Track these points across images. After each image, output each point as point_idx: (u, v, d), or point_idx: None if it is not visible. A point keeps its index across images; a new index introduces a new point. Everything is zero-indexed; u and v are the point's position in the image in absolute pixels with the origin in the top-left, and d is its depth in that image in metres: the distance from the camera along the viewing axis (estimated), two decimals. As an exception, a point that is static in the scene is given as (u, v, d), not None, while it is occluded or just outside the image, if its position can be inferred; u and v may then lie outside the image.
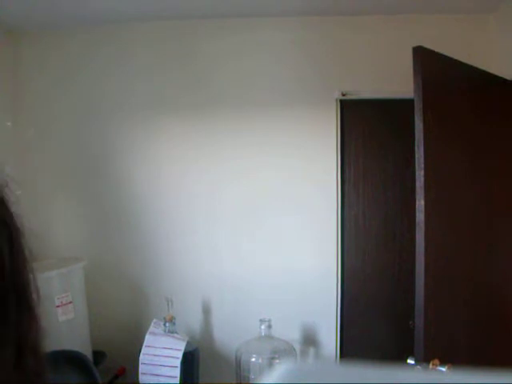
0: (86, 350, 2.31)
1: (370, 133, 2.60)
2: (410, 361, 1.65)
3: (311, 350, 2.59)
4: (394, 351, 2.29)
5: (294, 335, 2.52)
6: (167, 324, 2.38)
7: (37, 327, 0.49)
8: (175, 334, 2.38)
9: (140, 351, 2.32)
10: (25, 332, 0.48)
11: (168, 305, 2.46)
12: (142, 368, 2.30)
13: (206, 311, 2.64)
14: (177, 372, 2.27)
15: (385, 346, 2.52)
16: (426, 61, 1.72)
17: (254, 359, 2.32)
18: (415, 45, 1.73)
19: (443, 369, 1.57)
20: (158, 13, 2.58)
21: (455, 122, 1.87)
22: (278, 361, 2.31)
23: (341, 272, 2.57)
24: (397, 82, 2.30)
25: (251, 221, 2.62)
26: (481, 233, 1.99)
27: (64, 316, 2.24)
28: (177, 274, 2.65)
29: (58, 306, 2.23)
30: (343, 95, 2.54)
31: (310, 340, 2.57)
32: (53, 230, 2.66)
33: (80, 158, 2.73)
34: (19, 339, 0.47)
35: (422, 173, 1.68)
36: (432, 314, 1.68)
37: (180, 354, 2.29)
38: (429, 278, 1.67)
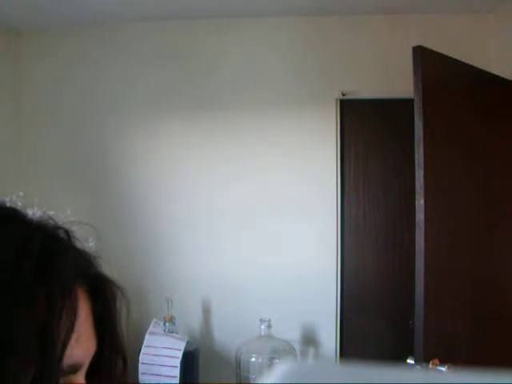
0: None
1: (370, 133, 2.60)
2: (410, 361, 1.65)
3: (311, 350, 2.59)
4: (394, 351, 2.29)
5: (293, 335, 2.52)
6: (167, 324, 2.39)
7: (128, 376, 0.61)
8: (175, 334, 2.38)
9: (140, 351, 2.32)
10: (120, 380, 0.58)
11: (168, 305, 2.46)
12: (141, 368, 2.30)
13: (206, 311, 2.64)
14: (177, 372, 2.27)
15: (385, 346, 2.52)
16: (426, 61, 1.72)
17: (253, 359, 2.32)
18: (415, 45, 1.73)
19: (443, 368, 1.57)
20: (158, 13, 2.58)
21: (455, 121, 1.87)
22: (277, 361, 2.31)
23: (341, 272, 2.57)
24: (397, 82, 2.30)
25: (251, 220, 2.62)
26: (481, 232, 1.99)
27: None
28: (177, 273, 2.65)
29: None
30: (343, 95, 2.54)
31: (309, 340, 2.57)
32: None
33: (79, 156, 2.73)
34: None
35: (422, 173, 1.68)
36: (432, 313, 1.68)
37: (180, 354, 2.29)
38: (429, 277, 1.67)
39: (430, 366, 1.59)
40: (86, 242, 0.56)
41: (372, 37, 2.56)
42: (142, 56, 2.70)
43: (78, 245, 0.54)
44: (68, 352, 0.46)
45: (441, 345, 1.72)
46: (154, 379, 2.28)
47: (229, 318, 2.60)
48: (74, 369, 0.49)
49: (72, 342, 0.46)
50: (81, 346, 0.49)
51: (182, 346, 2.32)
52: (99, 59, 2.71)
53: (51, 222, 0.52)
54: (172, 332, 2.38)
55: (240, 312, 2.58)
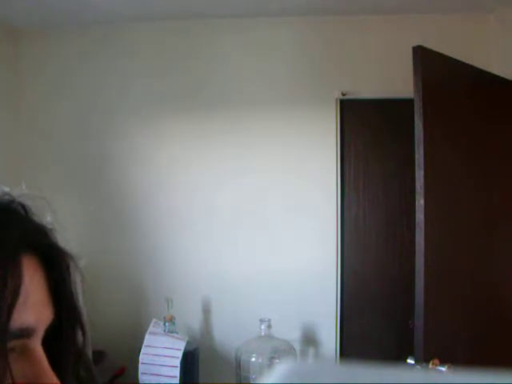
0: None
1: (369, 132, 2.60)
2: (410, 360, 1.65)
3: (311, 350, 2.59)
4: (394, 351, 2.29)
5: (293, 335, 2.52)
6: (167, 324, 2.39)
7: (88, 344, 0.61)
8: (175, 334, 2.38)
9: (140, 351, 2.32)
10: (80, 349, 0.59)
11: (168, 305, 2.46)
12: (141, 368, 2.30)
13: (206, 311, 2.64)
14: (177, 372, 2.27)
15: (385, 346, 2.52)
16: (426, 61, 1.72)
17: (253, 359, 2.32)
18: (415, 45, 1.73)
19: (443, 368, 1.57)
20: (158, 13, 2.58)
21: (455, 121, 1.87)
22: (277, 361, 2.31)
23: (341, 272, 2.57)
24: (397, 82, 2.30)
25: (251, 221, 2.62)
26: (481, 232, 1.99)
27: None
28: (177, 274, 2.65)
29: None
30: (343, 95, 2.54)
31: (309, 340, 2.57)
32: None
33: (80, 157, 2.73)
34: (76, 353, 0.59)
35: (422, 173, 1.68)
36: (432, 313, 1.68)
37: (180, 354, 2.29)
38: (429, 278, 1.67)
39: (430, 366, 1.59)
40: (43, 215, 0.58)
41: (372, 37, 2.56)
42: (142, 56, 2.70)
43: (35, 218, 0.56)
44: (16, 316, 0.48)
45: (441, 345, 1.72)
46: (154, 379, 2.28)
47: (229, 318, 2.60)
48: (26, 332, 0.50)
49: (19, 306, 0.48)
50: (30, 311, 0.50)
51: (181, 345, 2.32)
52: (99, 59, 2.71)
53: (7, 197, 0.55)
54: (172, 332, 2.38)
55: (240, 312, 2.58)
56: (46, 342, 0.53)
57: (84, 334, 0.59)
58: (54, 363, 0.53)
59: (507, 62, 2.26)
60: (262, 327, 2.38)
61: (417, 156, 1.71)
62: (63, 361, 0.56)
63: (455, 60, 1.90)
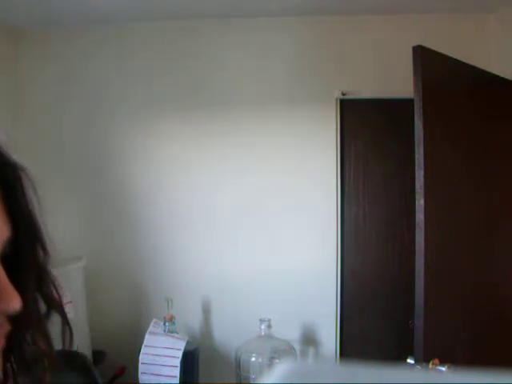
0: (86, 350, 2.31)
1: (369, 132, 2.60)
2: (410, 361, 1.65)
3: (311, 350, 2.59)
4: (394, 351, 2.29)
5: (293, 335, 2.52)
6: (167, 324, 2.39)
7: (50, 261, 0.59)
8: (175, 334, 2.38)
9: (140, 351, 2.32)
10: (42, 263, 0.58)
11: (168, 305, 2.46)
12: (141, 367, 2.30)
13: (206, 311, 2.64)
14: (177, 371, 2.27)
15: (385, 346, 2.52)
16: (426, 60, 1.72)
17: (253, 359, 2.32)
18: (415, 45, 1.73)
19: (443, 368, 1.57)
20: (159, 13, 2.58)
21: (455, 121, 1.87)
22: (277, 361, 2.31)
23: (341, 272, 2.57)
24: (397, 82, 2.30)
25: (251, 221, 2.62)
26: (481, 232, 1.99)
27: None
28: (177, 273, 2.66)
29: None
30: (343, 95, 2.54)
31: (309, 340, 2.57)
32: (53, 229, 2.66)
33: (80, 157, 2.73)
34: (38, 268, 0.57)
35: (422, 173, 1.68)
36: (432, 313, 1.68)
37: (180, 354, 2.29)
38: (429, 278, 1.67)
39: (430, 366, 1.59)
40: None
41: (372, 37, 2.56)
42: (142, 56, 2.70)
43: None
44: None
45: (441, 345, 1.72)
46: (154, 379, 2.28)
47: (229, 318, 2.60)
48: None
49: None
50: None
51: (182, 345, 2.32)
52: (99, 59, 2.71)
53: None
54: (172, 332, 2.38)
55: (240, 312, 2.58)
56: (6, 261, 0.52)
57: (44, 251, 0.58)
58: (16, 281, 0.52)
59: (507, 62, 2.26)
60: (262, 327, 2.38)
61: (417, 156, 1.70)
62: (24, 278, 0.55)
63: (455, 60, 1.90)
